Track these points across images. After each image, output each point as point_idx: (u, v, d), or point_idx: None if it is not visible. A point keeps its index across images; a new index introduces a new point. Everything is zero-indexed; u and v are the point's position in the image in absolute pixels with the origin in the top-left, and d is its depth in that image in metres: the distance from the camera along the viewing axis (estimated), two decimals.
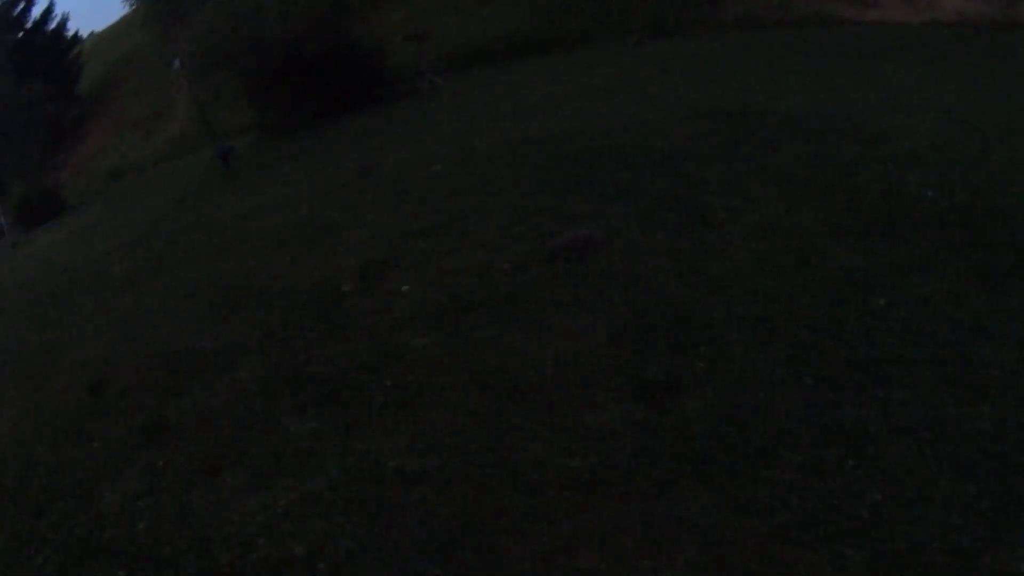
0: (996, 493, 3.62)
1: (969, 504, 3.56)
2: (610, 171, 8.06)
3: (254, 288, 7.40)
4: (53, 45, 30.47)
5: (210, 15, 13.80)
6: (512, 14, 14.77)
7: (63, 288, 9.99)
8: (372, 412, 5.25)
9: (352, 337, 6.14)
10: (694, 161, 7.86)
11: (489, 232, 7.29)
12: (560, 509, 4.15)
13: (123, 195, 15.85)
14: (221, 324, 6.88)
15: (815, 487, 3.80)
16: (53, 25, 31.38)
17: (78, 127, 26.38)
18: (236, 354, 6.32)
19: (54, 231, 16.07)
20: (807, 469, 3.92)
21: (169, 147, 16.23)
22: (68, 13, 57.39)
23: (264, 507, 4.60)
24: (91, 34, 38.60)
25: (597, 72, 12.52)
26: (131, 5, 26.53)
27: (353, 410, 5.31)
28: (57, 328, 8.44)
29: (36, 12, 31.50)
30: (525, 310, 6.01)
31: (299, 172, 10.98)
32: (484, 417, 4.99)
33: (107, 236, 12.11)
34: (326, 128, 12.79)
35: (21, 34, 30.02)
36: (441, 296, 6.41)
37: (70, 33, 32.08)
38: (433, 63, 13.59)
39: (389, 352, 5.82)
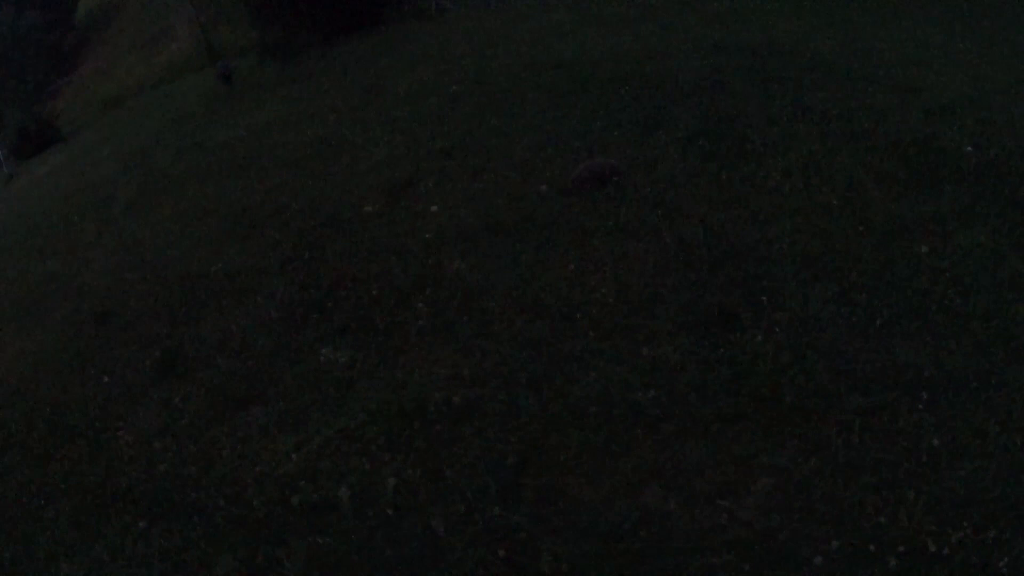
0: None
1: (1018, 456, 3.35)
2: (640, 99, 7.37)
3: (268, 209, 6.74)
4: None
5: None
6: None
7: (64, 215, 9.30)
8: (410, 339, 4.70)
9: (381, 260, 5.53)
10: (726, 94, 7.14)
11: (516, 155, 6.65)
12: (624, 445, 3.73)
13: (122, 120, 14.97)
14: (236, 247, 6.25)
15: (876, 429, 3.57)
16: None
17: (76, 55, 25.30)
18: (255, 278, 5.72)
19: (51, 159, 15.23)
20: (868, 411, 3.64)
21: (168, 70, 15.28)
22: None
23: (298, 445, 4.07)
24: None
25: (610, 3, 11.69)
26: None
27: (388, 337, 4.76)
28: (59, 257, 7.79)
29: None
30: (565, 235, 5.43)
31: (304, 92, 10.20)
32: (535, 346, 4.45)
33: (107, 160, 11.34)
34: (329, 49, 11.94)
35: None
36: (473, 218, 5.81)
37: None
38: None
39: (424, 275, 5.24)
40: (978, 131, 6.03)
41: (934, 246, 4.69)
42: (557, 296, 4.81)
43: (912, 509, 3.19)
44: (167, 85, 14.45)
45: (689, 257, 4.95)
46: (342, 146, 7.80)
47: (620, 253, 5.12)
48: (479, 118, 7.71)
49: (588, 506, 3.48)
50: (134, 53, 19.40)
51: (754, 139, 6.26)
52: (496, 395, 4.15)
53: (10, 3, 24.95)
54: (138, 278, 6.16)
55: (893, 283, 4.43)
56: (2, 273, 8.21)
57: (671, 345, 4.26)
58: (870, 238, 4.86)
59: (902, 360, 3.90)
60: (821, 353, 4.00)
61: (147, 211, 7.57)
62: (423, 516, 3.53)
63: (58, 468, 4.42)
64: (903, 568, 2.99)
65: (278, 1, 11.90)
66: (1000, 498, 3.17)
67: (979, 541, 3.02)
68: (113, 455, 4.38)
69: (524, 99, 7.97)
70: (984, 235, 4.72)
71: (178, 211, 7.27)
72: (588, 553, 3.24)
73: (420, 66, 9.98)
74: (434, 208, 6.07)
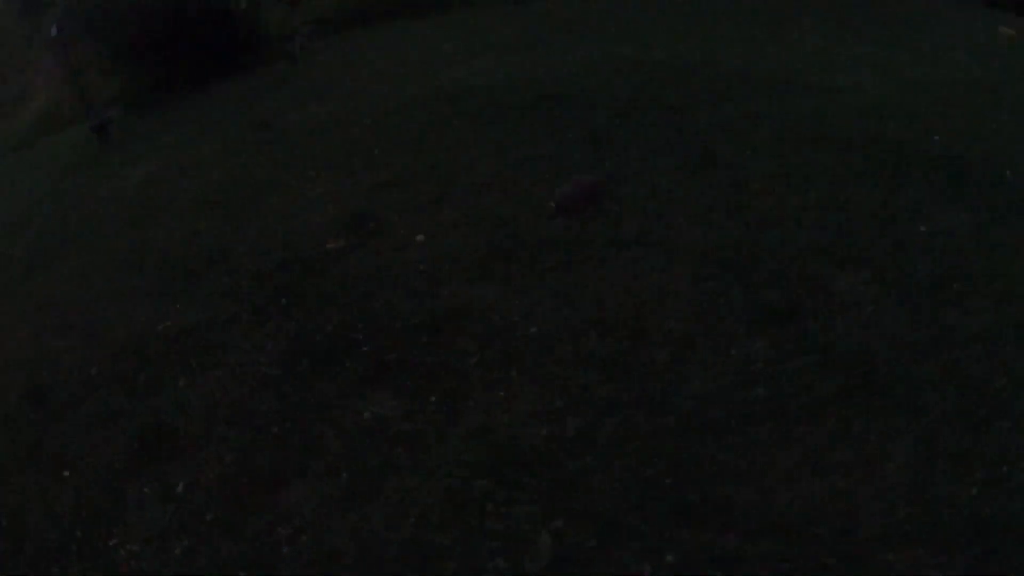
0: None
1: None
2: (581, 119, 6.74)
3: (202, 256, 5.49)
4: None
5: None
6: None
7: None
8: (470, 379, 3.75)
9: (381, 297, 4.51)
10: (669, 109, 6.63)
11: (475, 181, 5.86)
12: (754, 444, 3.13)
13: None
14: (181, 300, 4.98)
15: (957, 403, 3.19)
16: None
17: None
18: (222, 333, 4.53)
19: None
20: (948, 386, 3.26)
21: (34, 130, 12.84)
22: None
23: (388, 523, 2.95)
24: None
25: (492, 30, 11.02)
26: None
27: (437, 380, 3.81)
28: None
29: None
30: (582, 253, 4.71)
31: (190, 136, 8.76)
32: (614, 366, 3.71)
33: None
34: (200, 94, 10.46)
35: None
36: (467, 246, 4.94)
37: None
38: (305, 26, 11.54)
39: (446, 309, 4.25)
40: (919, 126, 5.88)
41: (929, 226, 4.46)
42: (612, 313, 4.09)
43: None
44: (32, 146, 12.25)
45: (719, 262, 4.40)
46: (261, 186, 6.60)
47: (651, 265, 4.47)
48: (412, 148, 6.77)
49: (754, 506, 2.86)
50: None
51: (719, 151, 5.80)
52: (604, 420, 3.38)
53: None
54: (68, 345, 4.73)
55: (911, 260, 4.16)
56: None
57: (754, 342, 3.71)
58: (873, 225, 4.55)
59: (952, 321, 3.66)
60: (881, 335, 3.63)
61: (53, 270, 6.00)
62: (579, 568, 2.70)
63: None
64: None
65: (141, 47, 10.34)
66: None
67: None
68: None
69: (451, 127, 7.09)
70: (962, 216, 4.55)
71: (92, 266, 5.80)
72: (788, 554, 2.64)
73: (311, 103, 8.84)
74: (420, 238, 5.07)
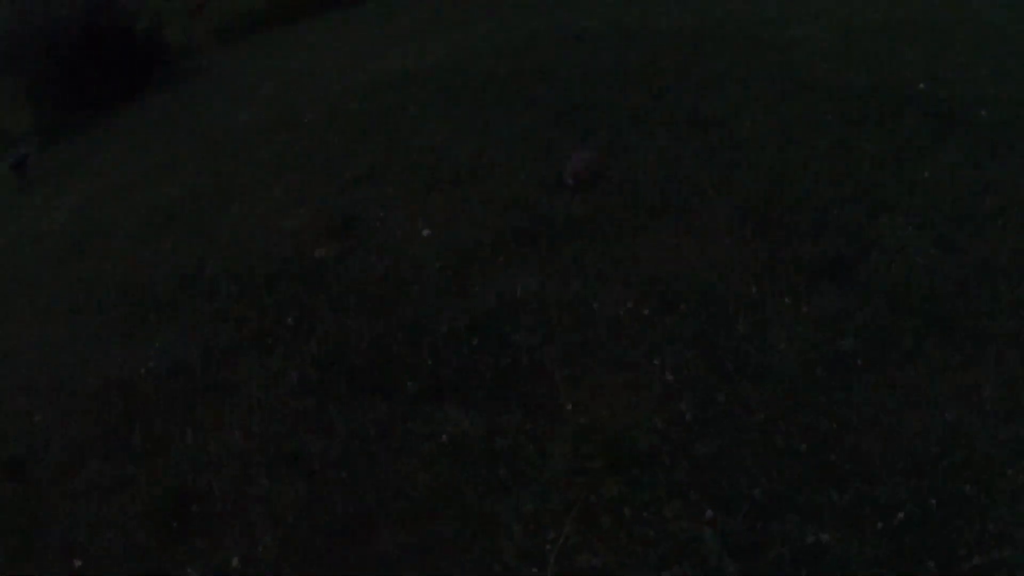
0: None
1: None
2: (546, 92, 6.12)
3: (172, 281, 4.61)
4: None
5: None
6: None
7: None
8: (538, 379, 3.14)
9: (406, 299, 3.77)
10: (639, 75, 6.10)
11: (459, 167, 5.16)
12: (863, 393, 2.83)
13: None
14: (164, 332, 4.13)
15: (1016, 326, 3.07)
16: None
17: None
18: (226, 365, 3.71)
19: None
20: (1003, 312, 3.13)
21: None
22: None
23: (523, 552, 2.40)
24: None
25: (402, 18, 10.17)
26: None
27: (508, 388, 3.15)
28: None
29: None
30: (611, 229, 4.13)
31: (113, 160, 7.61)
32: (692, 341, 3.21)
33: None
34: (112, 118, 9.23)
35: None
36: (480, 234, 4.28)
37: None
38: (206, 36, 10.43)
39: (490, 304, 3.54)
40: (883, 72, 5.59)
41: (932, 168, 4.23)
42: (670, 286, 3.58)
43: None
44: None
45: (754, 220, 3.95)
46: (219, 196, 5.69)
47: (688, 230, 3.98)
48: (372, 139, 5.97)
49: (891, 450, 2.59)
50: None
51: (705, 112, 5.30)
52: (713, 398, 2.91)
53: None
54: (35, 404, 3.78)
55: (929, 200, 3.94)
56: None
57: (821, 296, 3.35)
58: (880, 171, 4.27)
59: (984, 254, 3.50)
60: (931, 268, 3.44)
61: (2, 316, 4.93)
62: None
63: None
64: None
65: (51, 76, 9.07)
66: None
67: None
68: None
69: (406, 114, 6.33)
70: (957, 153, 4.36)
71: (40, 310, 4.77)
72: None
73: (240, 109, 7.88)
74: (426, 232, 4.32)
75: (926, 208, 3.90)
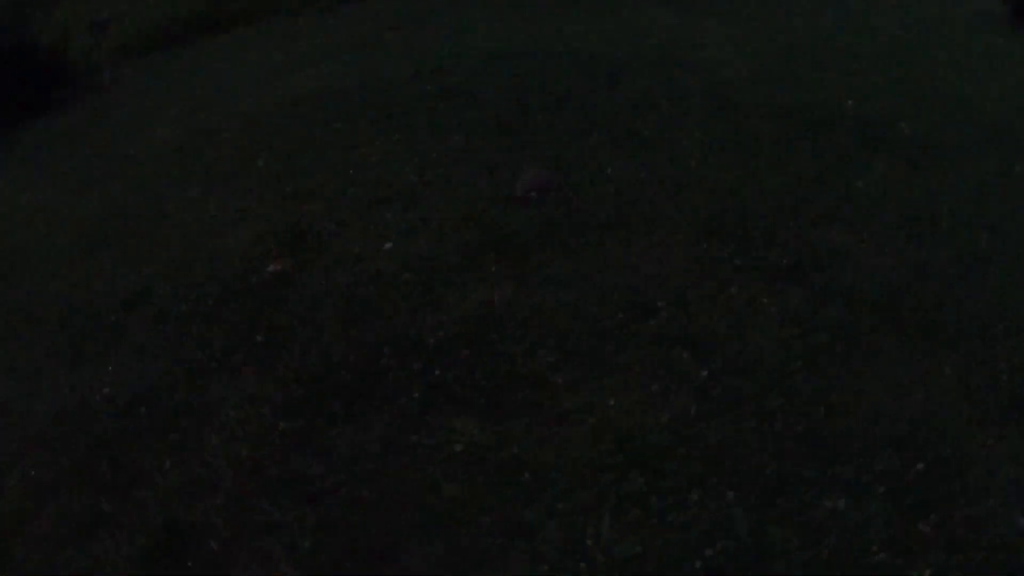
0: None
1: None
2: (477, 110, 5.99)
3: (112, 302, 4.22)
4: None
5: None
6: None
7: None
8: (541, 385, 3.05)
9: (382, 312, 3.61)
10: (567, 95, 6.03)
11: (402, 183, 4.89)
12: (841, 380, 2.98)
13: None
14: (114, 356, 3.72)
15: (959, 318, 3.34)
16: None
17: None
18: (195, 388, 3.39)
19: None
20: (949, 307, 3.38)
21: None
22: None
23: (567, 549, 2.28)
24: None
25: (314, 36, 9.75)
26: None
27: (512, 391, 3.06)
28: None
29: None
30: (573, 241, 4.07)
31: (20, 183, 6.85)
32: (678, 343, 3.21)
33: None
34: (10, 140, 8.39)
35: None
36: (450, 244, 4.07)
37: None
38: (110, 54, 9.70)
39: (473, 313, 3.51)
40: (815, 90, 5.81)
41: (866, 180, 4.44)
42: (645, 292, 3.56)
43: None
44: None
45: (708, 231, 4.01)
46: (143, 217, 5.23)
47: (649, 242, 3.97)
48: (305, 156, 5.64)
49: (878, 426, 2.56)
50: None
51: (641, 127, 5.35)
52: (710, 394, 2.93)
53: None
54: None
55: (868, 209, 4.15)
56: None
57: (785, 297, 3.44)
58: (818, 184, 4.42)
59: (925, 256, 3.68)
60: (879, 270, 3.64)
61: None
62: None
63: None
64: None
65: None
66: None
67: None
68: None
69: (336, 129, 6.04)
70: (886, 164, 4.60)
71: None
72: None
73: (156, 126, 7.31)
74: (388, 245, 4.09)
75: (864, 217, 4.09)
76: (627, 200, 4.38)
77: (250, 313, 3.77)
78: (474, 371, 3.10)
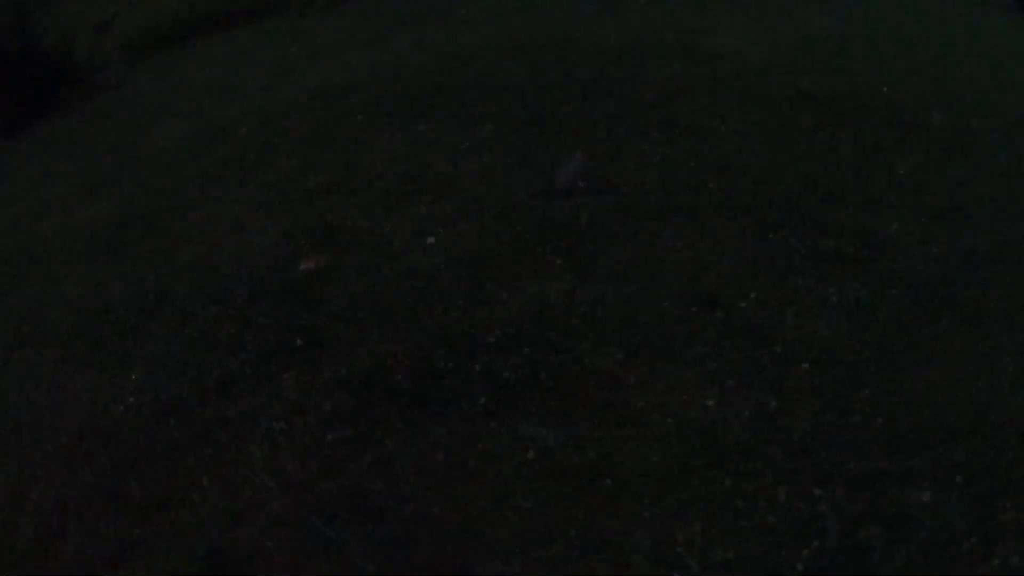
0: None
1: None
2: (504, 101, 5.68)
3: (137, 303, 3.83)
4: None
5: None
6: None
7: None
8: (611, 384, 2.73)
9: (432, 310, 3.26)
10: (592, 84, 5.67)
11: (440, 171, 4.58)
12: (911, 368, 2.76)
13: None
14: (136, 363, 3.37)
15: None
16: None
17: None
18: (229, 396, 3.05)
19: None
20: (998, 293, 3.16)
21: None
22: None
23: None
24: None
25: (319, 35, 9.38)
26: None
27: (579, 392, 2.74)
28: None
29: None
30: (624, 231, 3.75)
31: (31, 183, 6.52)
32: (744, 335, 2.95)
33: None
34: (20, 142, 8.03)
35: None
36: (494, 238, 3.74)
37: None
38: (116, 51, 9.35)
39: (529, 309, 3.15)
40: (841, 78, 5.46)
41: (903, 167, 4.19)
42: (707, 283, 3.28)
43: None
44: None
45: (760, 218, 3.74)
46: (169, 213, 4.87)
47: (702, 230, 3.69)
48: (327, 150, 5.31)
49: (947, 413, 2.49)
50: None
51: (677, 116, 5.00)
52: (786, 386, 2.67)
53: None
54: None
55: (911, 196, 3.91)
56: None
57: (844, 284, 3.22)
58: (857, 170, 4.18)
59: (969, 243, 3.47)
60: (931, 258, 3.41)
61: None
62: None
63: None
64: None
65: None
66: None
67: None
68: None
69: (358, 123, 5.71)
70: (920, 154, 4.33)
71: None
72: None
73: (163, 125, 6.97)
74: (431, 240, 3.74)
75: (907, 203, 3.86)
76: (672, 188, 4.08)
77: (284, 315, 3.42)
78: (539, 371, 2.76)
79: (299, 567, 2.20)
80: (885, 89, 5.18)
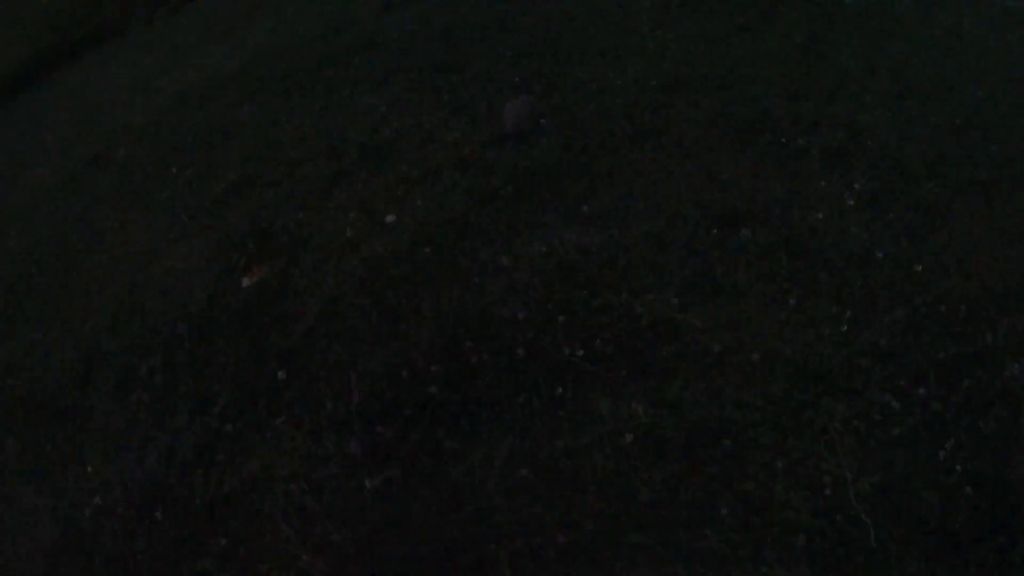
0: None
1: None
2: (398, 60, 4.83)
3: (65, 376, 3.02)
4: None
5: None
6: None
7: None
8: (671, 338, 2.25)
9: (423, 297, 2.60)
10: (478, 26, 4.97)
11: (376, 139, 3.84)
12: None
13: None
14: (88, 456, 2.58)
15: None
16: None
17: None
18: (223, 463, 2.30)
19: None
20: None
21: None
22: None
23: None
24: None
25: (173, 37, 8.07)
26: None
27: (642, 355, 2.25)
28: None
29: None
30: (602, 169, 3.21)
31: None
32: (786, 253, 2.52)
33: None
34: None
35: None
36: (456, 203, 3.05)
37: None
38: None
39: (548, 268, 2.57)
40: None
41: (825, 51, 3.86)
42: (712, 204, 2.80)
43: None
44: None
45: (743, 123, 3.27)
46: (60, 265, 3.92)
47: (674, 150, 3.19)
48: (226, 148, 4.46)
49: None
50: None
51: (597, 37, 4.39)
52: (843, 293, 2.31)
53: None
54: None
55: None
56: None
57: (850, 180, 2.82)
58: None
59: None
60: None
61: None
62: None
63: None
64: None
65: None
66: None
67: None
68: None
69: (254, 112, 4.83)
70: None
71: None
72: None
73: (36, 160, 5.80)
74: (390, 218, 3.07)
75: (867, 90, 3.47)
76: (630, 112, 3.51)
77: (248, 346, 2.70)
78: (592, 337, 2.20)
79: None
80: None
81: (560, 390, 2.07)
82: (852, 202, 2.62)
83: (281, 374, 2.50)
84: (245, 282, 3.13)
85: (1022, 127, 3.02)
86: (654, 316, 2.23)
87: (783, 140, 3.06)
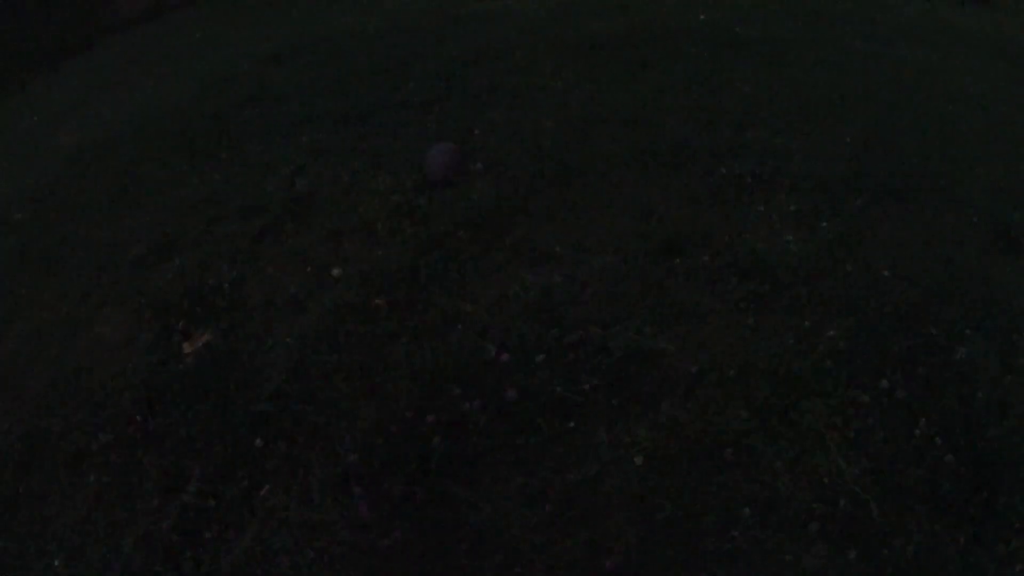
0: None
1: None
2: (299, 110, 4.76)
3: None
4: None
5: None
6: None
7: None
8: (662, 356, 2.40)
9: (389, 340, 2.57)
10: (363, 74, 4.99)
11: (283, 198, 3.78)
12: None
13: None
14: (59, 562, 2.33)
15: None
16: None
17: None
18: (212, 554, 2.14)
19: None
20: None
21: None
22: None
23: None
24: None
25: (55, 96, 7.46)
26: None
27: (637, 372, 2.37)
28: None
29: None
30: (558, 199, 3.30)
31: None
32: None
33: None
34: None
35: None
36: (403, 252, 3.14)
37: None
38: None
39: (531, 303, 2.64)
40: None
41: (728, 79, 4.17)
42: (667, 221, 2.97)
43: None
44: None
45: (655, 160, 3.41)
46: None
47: (619, 177, 3.32)
48: (131, 209, 4.18)
49: None
50: None
51: (506, 83, 4.38)
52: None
53: None
54: None
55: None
56: None
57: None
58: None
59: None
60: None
61: None
62: None
63: None
64: None
65: None
66: None
67: None
68: None
69: (152, 173, 4.54)
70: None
71: None
72: None
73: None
74: (336, 271, 3.00)
75: (780, 113, 3.69)
76: (551, 149, 3.59)
77: (209, 414, 2.54)
78: (575, 372, 2.24)
79: None
80: (702, 16, 5.00)
81: (558, 425, 2.10)
82: (785, 222, 2.84)
83: (258, 441, 2.37)
84: (186, 348, 2.94)
85: (922, 136, 3.38)
86: (628, 346, 2.32)
87: (707, 168, 3.24)
